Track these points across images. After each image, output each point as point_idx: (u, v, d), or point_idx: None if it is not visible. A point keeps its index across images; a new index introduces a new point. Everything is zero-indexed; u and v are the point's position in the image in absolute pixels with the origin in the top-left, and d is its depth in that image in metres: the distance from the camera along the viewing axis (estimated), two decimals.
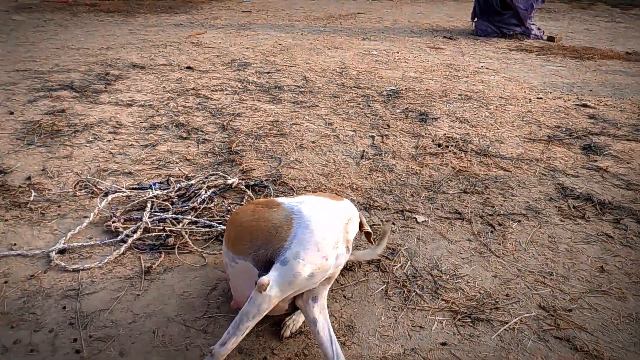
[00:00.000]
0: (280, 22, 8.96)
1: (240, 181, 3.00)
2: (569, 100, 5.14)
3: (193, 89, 4.88)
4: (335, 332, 1.96)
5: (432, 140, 3.95)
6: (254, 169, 3.28)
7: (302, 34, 7.92)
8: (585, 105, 4.95)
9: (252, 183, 3.03)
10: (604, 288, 2.31)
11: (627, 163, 3.65)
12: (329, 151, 3.65)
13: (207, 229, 2.53)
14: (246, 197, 2.88)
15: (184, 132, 3.85)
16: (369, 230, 2.07)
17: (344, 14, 10.31)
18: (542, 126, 4.35)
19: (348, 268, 2.37)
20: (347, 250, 1.85)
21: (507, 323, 2.06)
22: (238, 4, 10.85)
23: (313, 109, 4.51)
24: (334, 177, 3.25)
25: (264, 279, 1.58)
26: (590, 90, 5.53)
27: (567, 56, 7.25)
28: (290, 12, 10.20)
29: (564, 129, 4.28)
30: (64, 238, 2.42)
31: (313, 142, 3.79)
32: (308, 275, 1.62)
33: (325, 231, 1.70)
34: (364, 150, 3.70)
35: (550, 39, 8.45)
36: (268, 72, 5.59)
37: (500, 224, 2.80)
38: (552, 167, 3.55)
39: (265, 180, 3.11)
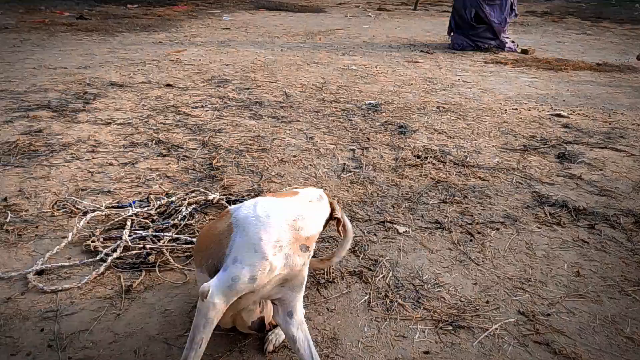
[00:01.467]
0: (259, 38, 9.04)
1: (221, 197, 3.00)
2: (543, 110, 5.28)
3: (173, 106, 4.88)
4: (318, 345, 1.97)
5: (412, 152, 4.01)
6: (235, 185, 3.29)
7: (281, 50, 8.00)
8: (559, 115, 5.10)
9: (233, 198, 3.03)
10: (581, 292, 2.36)
11: (600, 170, 3.76)
12: (311, 165, 3.68)
13: (188, 246, 2.51)
14: None
15: (164, 149, 3.84)
16: (338, 216, 1.99)
17: (323, 30, 10.46)
18: (518, 136, 4.46)
19: (330, 280, 2.38)
20: (304, 248, 1.76)
21: (487, 329, 2.09)
22: (217, 22, 10.92)
23: (294, 123, 4.55)
24: None
25: (205, 286, 1.60)
26: (564, 101, 5.70)
27: (541, 68, 7.46)
28: (269, 28, 10.30)
29: (539, 139, 4.39)
30: (42, 259, 2.39)
31: (294, 156, 3.81)
32: (249, 278, 1.60)
33: (260, 232, 1.65)
34: (344, 163, 3.74)
35: (524, 51, 8.69)
36: (248, 88, 5.62)
37: (479, 233, 2.85)
38: (528, 175, 3.63)
39: (247, 195, 3.12)
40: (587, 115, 5.14)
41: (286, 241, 1.69)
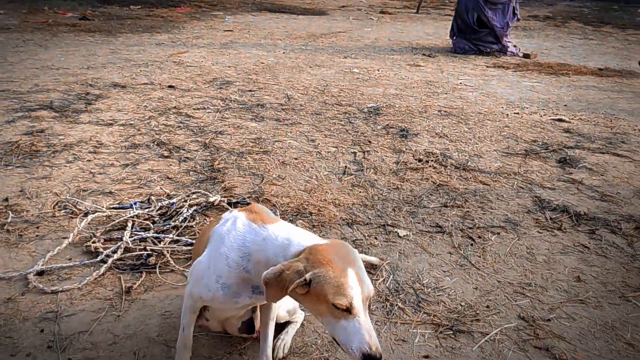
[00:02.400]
0: (262, 41, 9.05)
1: (222, 199, 3.00)
2: (544, 115, 5.28)
3: (175, 107, 4.89)
4: (318, 349, 1.97)
5: (413, 156, 4.01)
6: (236, 187, 3.29)
7: (284, 53, 8.01)
8: (560, 120, 5.09)
9: (234, 200, 3.03)
10: (581, 297, 2.36)
11: (601, 175, 3.76)
12: (312, 167, 3.68)
13: (189, 248, 2.51)
14: None
15: (165, 150, 3.84)
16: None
17: (325, 32, 10.48)
18: (519, 140, 4.46)
19: None
20: (253, 292, 1.57)
21: (487, 334, 2.09)
22: (220, 23, 10.95)
23: (295, 126, 4.55)
24: (316, 193, 3.27)
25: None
26: (565, 105, 5.69)
27: (543, 72, 7.46)
28: (271, 31, 10.32)
29: (541, 143, 4.39)
30: (43, 259, 2.39)
31: (295, 158, 3.82)
32: (197, 297, 1.65)
33: (217, 260, 1.56)
34: (346, 166, 3.74)
35: (526, 55, 8.69)
36: (250, 90, 5.63)
37: (480, 237, 2.85)
38: (529, 180, 3.63)
39: (248, 197, 3.12)
40: (588, 120, 5.14)
41: (232, 280, 1.54)
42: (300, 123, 4.63)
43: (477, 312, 2.22)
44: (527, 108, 5.51)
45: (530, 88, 6.48)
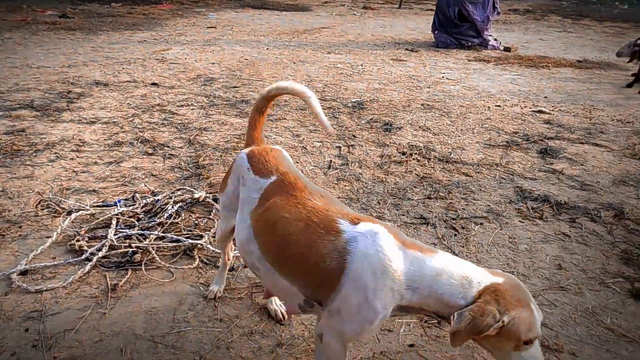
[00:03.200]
0: (245, 37, 9.01)
1: (207, 195, 3.00)
2: (525, 107, 5.36)
3: (158, 104, 4.85)
4: (305, 340, 1.99)
5: (397, 149, 4.05)
6: None
7: (267, 49, 7.99)
8: (540, 112, 5.18)
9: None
10: (562, 284, 2.42)
11: (581, 165, 3.84)
12: (297, 162, 3.69)
13: (174, 244, 2.51)
14: (214, 211, 2.88)
15: (149, 148, 3.82)
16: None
17: (308, 28, 10.46)
18: (501, 132, 4.52)
19: None
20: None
21: None
22: (203, 20, 10.86)
23: (280, 121, 4.55)
24: None
25: (317, 328, 1.66)
26: (545, 97, 5.79)
27: (523, 65, 7.57)
28: (255, 27, 10.27)
29: (522, 135, 4.46)
30: (26, 259, 2.36)
31: None
32: (351, 335, 1.53)
33: (370, 293, 1.43)
34: (331, 161, 3.76)
35: (507, 49, 8.80)
36: (234, 87, 5.61)
37: (463, 227, 2.89)
38: (511, 171, 3.69)
39: None
40: (568, 112, 5.23)
41: (390, 308, 1.45)
42: (285, 118, 4.64)
43: None
44: (508, 100, 5.59)
45: (511, 81, 6.57)
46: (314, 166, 3.65)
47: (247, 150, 1.89)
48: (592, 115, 5.12)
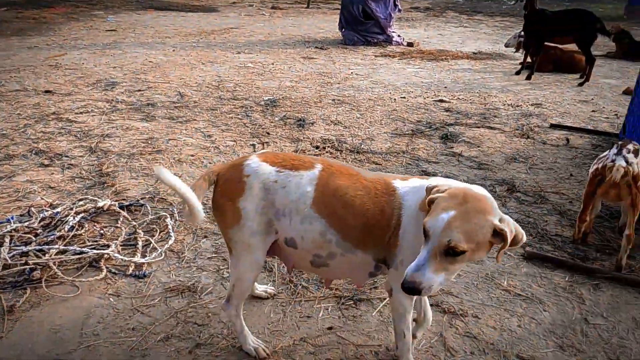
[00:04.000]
0: (149, 39, 8.65)
1: (113, 203, 2.85)
2: (428, 97, 5.70)
3: (54, 113, 4.51)
4: (224, 339, 1.97)
5: (310, 143, 4.12)
6: (129, 189, 3.14)
7: (174, 50, 7.73)
8: (441, 101, 5.53)
9: (126, 203, 2.89)
10: None
11: (478, 147, 4.16)
12: (210, 163, 3.62)
13: (78, 256, 2.36)
14: (121, 219, 2.74)
15: (45, 159, 3.54)
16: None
17: (216, 29, 10.27)
18: (406, 122, 4.77)
19: None
20: None
21: (385, 299, 2.23)
22: (101, 23, 10.24)
23: (190, 123, 4.44)
24: None
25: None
26: (445, 87, 6.19)
27: (425, 59, 8.02)
28: (159, 29, 9.89)
29: (425, 123, 4.74)
30: None
31: (192, 155, 3.73)
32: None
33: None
34: None
35: (410, 44, 9.27)
36: (139, 90, 5.37)
37: None
38: (416, 156, 3.91)
39: (142, 198, 2.99)
40: (465, 99, 5.64)
41: None
42: (196, 119, 4.53)
43: (375, 280, 2.36)
44: (412, 92, 5.91)
45: (414, 74, 6.94)
46: None
47: (255, 160, 1.70)
48: (486, 102, 5.56)
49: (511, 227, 1.41)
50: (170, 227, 2.66)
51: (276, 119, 4.70)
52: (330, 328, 2.05)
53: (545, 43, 6.88)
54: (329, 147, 4.04)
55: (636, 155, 2.52)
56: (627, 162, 2.47)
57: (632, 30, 9.23)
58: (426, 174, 3.57)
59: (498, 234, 1.39)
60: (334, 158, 3.82)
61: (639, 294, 2.33)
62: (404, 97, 5.64)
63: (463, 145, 4.17)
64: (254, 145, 4.01)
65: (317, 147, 4.03)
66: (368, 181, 1.66)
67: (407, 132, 4.46)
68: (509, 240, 1.38)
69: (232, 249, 1.74)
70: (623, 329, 2.11)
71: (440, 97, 5.65)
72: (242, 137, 4.16)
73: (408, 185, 1.64)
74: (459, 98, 5.69)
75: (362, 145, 4.10)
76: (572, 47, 6.94)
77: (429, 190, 1.52)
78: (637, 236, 2.71)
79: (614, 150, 2.58)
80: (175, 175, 1.60)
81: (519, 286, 2.37)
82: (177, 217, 2.81)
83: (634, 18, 14.87)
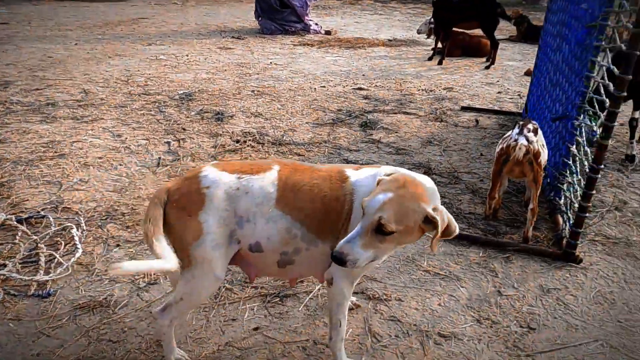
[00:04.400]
0: (48, 32, 7.93)
1: (8, 217, 2.57)
2: (347, 85, 5.75)
3: None
4: (143, 353, 1.85)
5: (230, 137, 4.00)
6: (28, 200, 2.85)
7: (76, 44, 7.16)
8: (360, 89, 5.61)
9: (25, 216, 2.62)
10: None
11: (395, 132, 4.27)
12: (120, 164, 3.39)
13: None
14: (19, 234, 2.48)
15: None
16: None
17: (124, 19, 9.66)
18: (327, 111, 4.79)
19: (152, 282, 2.24)
20: None
21: (311, 292, 2.22)
22: None
23: (97, 122, 4.13)
24: (128, 191, 3.03)
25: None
26: (363, 75, 6.29)
27: (343, 47, 8.10)
28: (59, 20, 9.11)
29: (345, 111, 4.78)
30: None
31: (100, 157, 3.47)
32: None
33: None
34: (160, 158, 3.54)
35: (328, 32, 9.32)
36: (37, 89, 4.90)
37: None
38: (338, 145, 3.93)
39: (43, 209, 2.73)
40: (383, 86, 5.77)
41: None
42: (103, 118, 4.22)
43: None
44: (331, 81, 5.94)
45: (333, 62, 6.98)
46: (141, 166, 3.40)
47: (212, 170, 1.64)
48: (402, 88, 5.72)
49: (444, 217, 1.47)
50: (76, 238, 2.45)
51: (192, 113, 4.50)
52: (256, 329, 2.00)
53: (454, 29, 7.21)
54: (250, 140, 3.95)
55: (536, 134, 2.70)
56: (528, 140, 2.64)
57: (530, 15, 9.95)
58: (347, 162, 3.60)
59: (430, 222, 1.44)
60: (256, 151, 3.74)
61: (544, 263, 2.52)
62: (324, 86, 5.65)
63: (382, 132, 4.26)
64: (168, 142, 3.82)
65: (237, 141, 3.92)
66: (323, 171, 1.71)
67: (328, 122, 4.47)
68: (440, 228, 1.44)
69: (190, 264, 1.62)
70: (532, 296, 2.27)
71: (359, 85, 5.72)
72: (155, 135, 3.95)
73: (360, 174, 1.68)
74: (376, 85, 5.80)
75: (284, 137, 4.05)
76: (479, 32, 7.34)
77: (379, 181, 1.57)
78: (541, 209, 2.92)
79: (516, 130, 2.74)
80: (133, 262, 1.51)
81: (437, 265, 2.47)
82: (84, 227, 2.60)
83: (532, 3, 16.07)
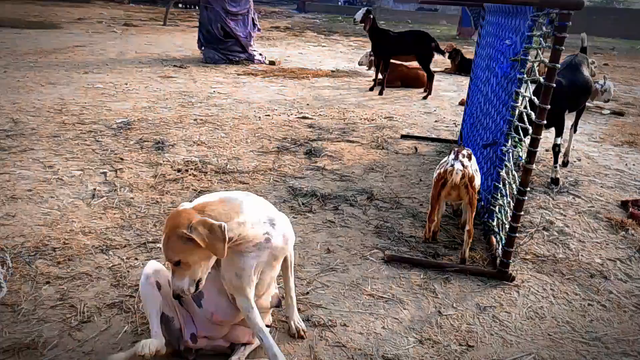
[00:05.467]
0: None
1: None
2: (291, 114, 5.83)
3: None
4: None
5: (171, 167, 3.91)
6: None
7: (5, 72, 6.80)
8: (304, 117, 5.70)
9: None
10: (332, 266, 2.68)
11: (339, 160, 4.36)
12: (51, 197, 3.21)
13: None
14: None
15: None
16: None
17: (59, 47, 9.32)
18: (272, 139, 4.81)
19: (85, 321, 2.11)
20: None
21: None
22: None
23: (26, 153, 3.90)
24: (59, 225, 2.87)
25: None
26: (308, 104, 6.40)
27: (287, 77, 8.23)
28: None
29: (290, 140, 4.83)
30: None
31: (29, 190, 3.27)
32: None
33: None
34: (95, 189, 3.39)
35: (272, 62, 9.45)
36: None
37: None
38: (283, 173, 3.95)
39: None
40: (327, 115, 5.89)
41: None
42: (33, 149, 4.00)
43: None
44: (276, 110, 5.99)
45: (277, 92, 7.07)
46: (74, 198, 3.23)
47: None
48: (345, 117, 5.88)
49: (201, 231, 1.60)
50: (1, 276, 2.27)
51: (131, 142, 4.38)
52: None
53: (393, 61, 7.55)
54: (192, 169, 3.88)
55: (469, 159, 2.85)
56: (463, 165, 2.78)
57: (462, 49, 10.62)
58: (293, 189, 3.62)
59: (191, 239, 1.60)
60: (198, 180, 3.68)
61: (480, 282, 2.63)
62: (269, 115, 5.70)
63: (326, 159, 4.33)
64: (104, 173, 3.67)
65: (179, 171, 3.84)
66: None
67: (272, 150, 4.49)
68: (202, 242, 1.59)
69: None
70: (470, 315, 2.35)
71: (303, 114, 5.82)
72: (90, 165, 3.79)
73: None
74: (320, 114, 5.92)
75: (228, 165, 4.02)
76: (417, 64, 7.72)
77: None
78: (476, 230, 3.06)
79: (452, 156, 2.89)
80: (120, 354, 1.82)
81: (381, 289, 2.50)
82: (10, 264, 2.42)
83: (464, 37, 17.19)
